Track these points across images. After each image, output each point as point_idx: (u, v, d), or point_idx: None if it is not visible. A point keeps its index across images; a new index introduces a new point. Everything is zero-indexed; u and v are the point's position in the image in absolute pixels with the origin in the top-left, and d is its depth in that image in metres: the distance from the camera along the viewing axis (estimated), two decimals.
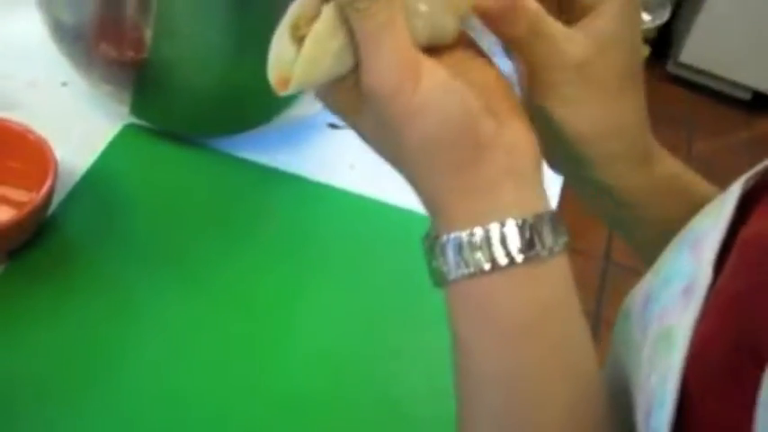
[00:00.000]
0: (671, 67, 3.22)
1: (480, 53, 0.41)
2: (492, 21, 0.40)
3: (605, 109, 0.44)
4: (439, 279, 0.40)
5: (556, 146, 0.45)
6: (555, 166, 0.49)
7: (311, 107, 0.81)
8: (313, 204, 0.80)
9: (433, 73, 0.37)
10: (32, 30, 0.79)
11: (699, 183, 0.51)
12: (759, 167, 0.41)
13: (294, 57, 0.38)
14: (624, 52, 0.44)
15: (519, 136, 0.39)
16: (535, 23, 0.41)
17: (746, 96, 3.21)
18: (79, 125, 0.81)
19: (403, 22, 0.37)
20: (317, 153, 0.85)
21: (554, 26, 0.42)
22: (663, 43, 3.18)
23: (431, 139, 0.37)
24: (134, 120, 0.81)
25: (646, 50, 3.06)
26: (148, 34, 0.68)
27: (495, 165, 0.38)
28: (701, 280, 0.38)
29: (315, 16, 0.37)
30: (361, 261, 0.76)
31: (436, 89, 0.37)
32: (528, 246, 0.37)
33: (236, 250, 0.74)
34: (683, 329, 0.37)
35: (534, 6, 0.41)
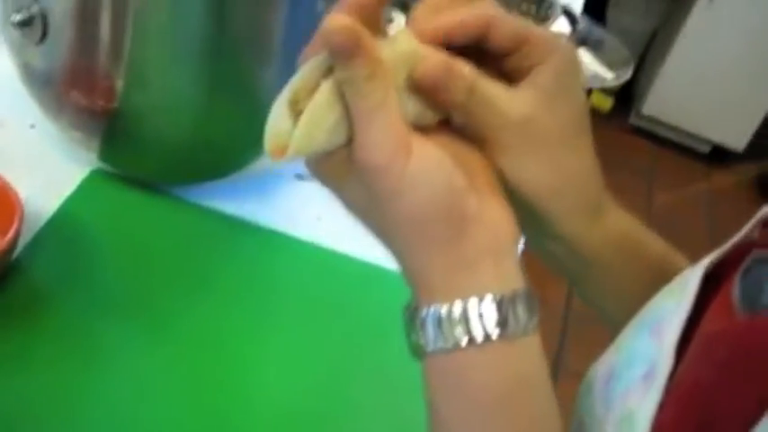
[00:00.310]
0: (633, 119, 3.28)
1: (463, 133, 0.42)
2: (429, 91, 0.41)
3: (552, 164, 0.45)
4: (416, 350, 0.41)
5: (511, 204, 0.45)
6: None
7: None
8: (278, 256, 0.80)
9: (423, 150, 0.38)
10: (1, 68, 0.79)
11: (651, 238, 0.52)
12: (721, 250, 0.42)
13: (290, 128, 0.39)
14: (567, 108, 0.45)
15: (499, 213, 0.40)
16: (473, 88, 0.42)
17: (706, 149, 3.27)
18: (46, 168, 0.81)
19: (396, 101, 0.39)
20: (283, 204, 0.86)
21: (493, 87, 0.43)
22: (626, 95, 3.25)
23: (419, 213, 0.38)
24: (102, 165, 0.81)
25: (609, 102, 3.12)
26: (119, 84, 0.69)
27: (478, 241, 0.39)
28: (661, 366, 0.39)
29: (313, 90, 0.39)
30: (326, 314, 0.76)
31: (425, 166, 0.38)
32: (504, 322, 0.38)
33: (200, 299, 0.74)
34: (644, 415, 0.38)
35: (468, 71, 0.41)
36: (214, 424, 0.65)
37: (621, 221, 0.50)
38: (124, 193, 0.81)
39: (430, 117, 0.42)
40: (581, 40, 1.11)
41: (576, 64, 0.46)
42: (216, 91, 0.70)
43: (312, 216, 0.85)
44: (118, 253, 0.76)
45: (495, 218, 0.40)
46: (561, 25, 1.08)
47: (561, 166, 0.45)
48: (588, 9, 1.52)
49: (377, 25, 0.40)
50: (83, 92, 0.70)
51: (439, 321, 0.39)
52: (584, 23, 1.23)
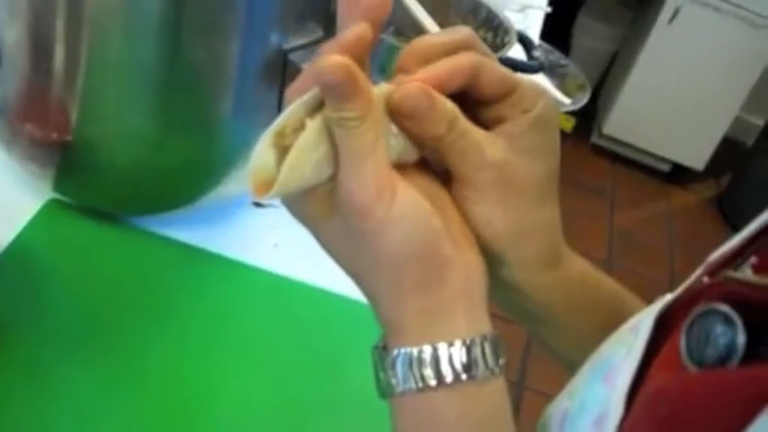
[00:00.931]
0: (595, 139, 3.32)
1: (436, 177, 0.43)
2: (411, 119, 0.41)
3: (520, 212, 0.46)
4: (385, 390, 0.41)
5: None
6: None
7: (237, 187, 0.81)
8: (235, 284, 0.80)
9: (406, 192, 0.39)
10: None
11: (604, 281, 0.53)
12: (672, 296, 0.43)
13: (274, 163, 0.39)
14: (542, 159, 0.46)
15: (473, 259, 0.42)
16: (454, 123, 0.42)
17: (666, 168, 3.32)
18: (1, 199, 0.80)
19: (384, 143, 0.40)
20: (240, 232, 0.86)
21: (472, 128, 0.43)
22: (587, 115, 3.29)
23: (398, 256, 0.39)
24: (57, 195, 0.81)
25: (570, 122, 3.15)
26: (74, 116, 0.69)
27: (454, 287, 0.40)
28: (612, 414, 0.39)
29: (299, 127, 0.39)
30: (283, 342, 0.76)
31: (408, 209, 0.39)
32: (472, 365, 0.40)
33: (157, 329, 0.73)
34: None
35: (451, 106, 0.42)
36: None
37: (576, 267, 0.51)
38: (80, 222, 0.80)
39: (411, 155, 0.43)
40: (538, 65, 1.13)
41: (555, 120, 0.46)
42: (170, 123, 0.70)
43: (269, 243, 0.86)
44: (74, 283, 0.76)
45: (469, 263, 0.41)
46: (516, 52, 1.09)
47: (528, 215, 0.46)
48: (553, 33, 1.54)
49: (363, 67, 0.40)
50: (37, 124, 0.70)
51: (409, 363, 0.40)
52: (540, 49, 1.25)
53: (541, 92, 0.46)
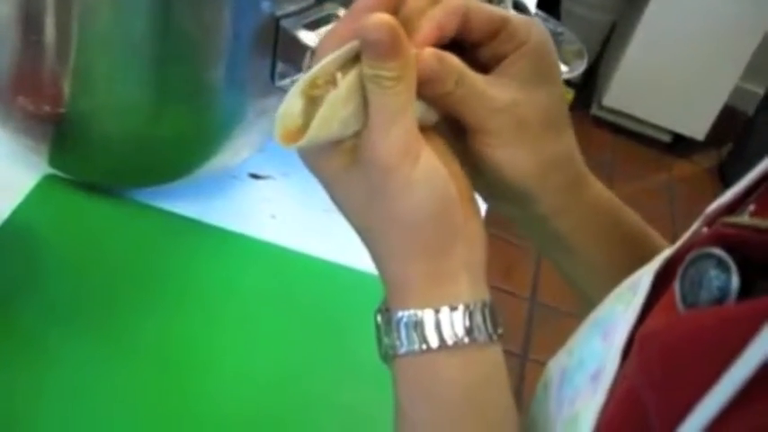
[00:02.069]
0: (595, 110, 3.31)
1: (447, 143, 0.44)
2: (424, 84, 0.42)
3: (535, 146, 0.47)
4: (387, 352, 0.42)
5: (498, 190, 0.48)
6: (497, 207, 0.52)
7: (233, 158, 0.81)
8: (233, 255, 0.80)
9: (429, 156, 0.40)
10: None
11: (627, 211, 0.54)
12: (670, 250, 0.43)
13: (299, 111, 0.40)
14: (545, 91, 0.47)
15: (478, 229, 0.43)
16: (460, 77, 0.43)
17: (667, 139, 3.31)
18: None
19: (414, 105, 0.40)
20: (237, 203, 0.86)
21: (477, 76, 0.44)
22: (587, 87, 3.27)
23: (415, 217, 0.40)
24: (53, 170, 0.81)
25: (570, 94, 3.14)
26: (66, 89, 0.68)
27: (460, 254, 0.41)
28: (608, 368, 0.40)
29: (331, 80, 0.40)
30: (282, 311, 0.77)
31: (430, 173, 0.40)
32: (474, 329, 0.41)
33: (156, 301, 0.74)
34: (589, 416, 0.39)
35: (457, 62, 0.43)
36: (172, 427, 0.65)
37: (600, 195, 0.52)
38: (76, 197, 0.80)
39: (430, 117, 0.43)
40: None
41: (551, 48, 0.47)
42: (163, 94, 0.70)
43: (266, 214, 0.86)
44: (71, 257, 0.76)
45: (474, 232, 0.42)
46: None
47: (543, 148, 0.47)
48: (542, 2, 1.53)
49: None
50: (29, 98, 0.70)
51: (413, 325, 0.41)
52: (537, 17, 1.24)
53: (531, 22, 0.46)
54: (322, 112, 0.39)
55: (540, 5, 1.43)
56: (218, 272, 0.78)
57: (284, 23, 0.68)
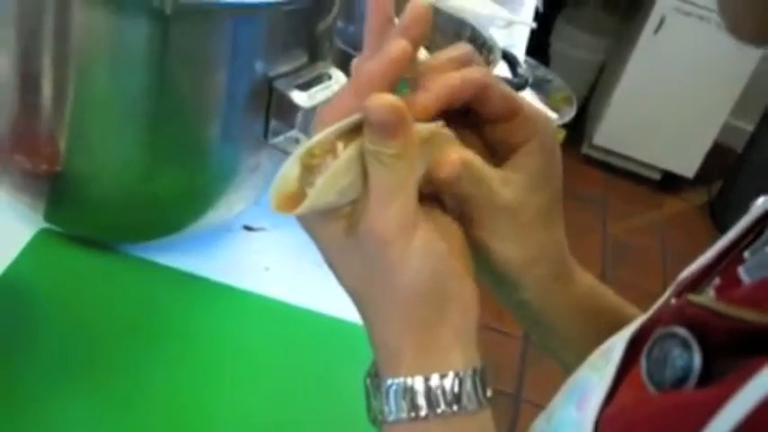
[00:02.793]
0: (586, 149, 3.33)
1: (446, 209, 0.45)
2: (445, 185, 0.43)
3: (535, 239, 0.48)
4: (376, 417, 0.42)
5: (485, 271, 0.48)
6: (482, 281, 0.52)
7: (227, 213, 0.82)
8: (228, 309, 0.81)
9: (427, 230, 0.41)
10: None
11: (609, 294, 0.55)
12: (641, 320, 0.44)
13: (296, 178, 0.40)
14: (548, 188, 0.48)
15: (471, 296, 0.43)
16: (478, 177, 0.44)
17: (657, 176, 3.33)
18: None
19: (415, 180, 0.41)
20: (231, 256, 0.87)
21: (488, 171, 0.45)
22: (578, 126, 3.30)
23: (412, 291, 0.40)
24: (49, 225, 0.81)
25: (561, 134, 3.16)
26: (63, 148, 0.69)
27: (453, 323, 0.42)
28: None
29: (330, 149, 0.40)
30: (276, 364, 0.77)
31: (425, 247, 0.40)
32: (463, 397, 0.41)
33: (151, 356, 0.74)
34: None
35: (471, 156, 0.44)
36: None
37: (584, 282, 0.53)
38: (72, 251, 0.81)
39: (423, 183, 0.43)
40: (523, 82, 1.14)
41: (556, 140, 0.48)
42: (158, 152, 0.71)
43: (260, 267, 0.86)
44: (66, 312, 0.76)
45: (468, 299, 0.42)
46: (502, 70, 1.11)
47: (539, 241, 0.48)
48: (531, 45, 1.56)
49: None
50: (26, 156, 0.71)
51: (403, 393, 0.41)
52: (526, 65, 1.26)
53: (543, 117, 0.47)
54: (321, 183, 0.40)
55: (529, 49, 1.46)
56: (212, 325, 0.79)
57: (277, 84, 0.69)
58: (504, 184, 0.46)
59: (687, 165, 3.23)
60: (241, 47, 0.68)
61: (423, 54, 0.51)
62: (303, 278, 0.86)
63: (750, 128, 3.32)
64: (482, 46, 1.10)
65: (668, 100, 3.11)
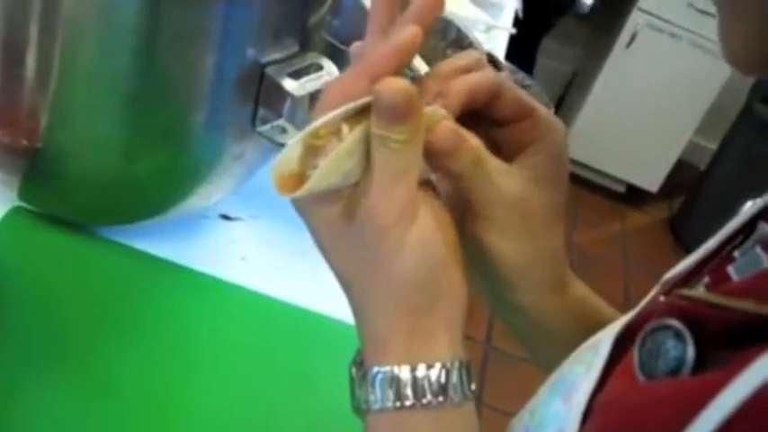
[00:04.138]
0: None
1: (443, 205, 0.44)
2: (438, 157, 0.43)
3: (534, 241, 0.48)
4: (361, 406, 0.42)
5: (482, 270, 0.48)
6: (476, 284, 0.51)
7: (206, 200, 0.81)
8: (202, 297, 0.80)
9: (425, 219, 0.40)
10: None
11: (602, 305, 0.54)
12: (630, 315, 0.44)
13: (297, 159, 0.40)
14: (554, 191, 0.48)
15: (461, 288, 0.42)
16: (477, 159, 0.44)
17: (621, 189, 3.37)
18: None
19: (418, 168, 0.40)
20: (208, 244, 0.86)
21: (494, 162, 0.45)
22: None
23: (403, 280, 0.40)
24: (21, 203, 0.79)
25: None
26: (44, 123, 0.68)
27: (442, 314, 0.41)
28: (568, 431, 0.40)
29: (335, 131, 0.40)
30: (251, 355, 0.76)
31: (423, 236, 0.40)
32: (449, 388, 0.40)
33: (124, 342, 0.72)
34: None
35: (476, 143, 0.44)
36: None
37: (579, 292, 0.53)
38: (45, 231, 0.79)
39: (425, 170, 0.43)
40: None
41: (566, 148, 0.48)
42: (142, 133, 0.69)
43: (236, 256, 0.85)
44: (37, 293, 0.74)
45: (457, 291, 0.42)
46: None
47: (538, 244, 0.48)
48: (517, 56, 1.56)
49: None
50: (6, 130, 0.69)
51: (389, 381, 0.40)
52: (506, 70, 1.26)
53: (555, 120, 0.47)
54: (325, 165, 0.39)
55: (514, 60, 1.46)
56: (186, 313, 0.78)
57: (269, 71, 0.68)
58: (509, 177, 0.46)
59: (651, 179, 3.28)
60: (233, 30, 0.67)
61: (421, 66, 0.51)
62: (279, 269, 0.86)
63: (713, 146, 3.37)
64: (467, 48, 1.10)
65: (636, 114, 3.15)
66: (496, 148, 0.46)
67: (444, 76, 0.44)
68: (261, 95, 0.70)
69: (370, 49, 0.42)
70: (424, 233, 0.40)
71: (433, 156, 0.42)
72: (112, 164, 0.71)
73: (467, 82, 0.44)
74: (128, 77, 0.66)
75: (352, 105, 0.39)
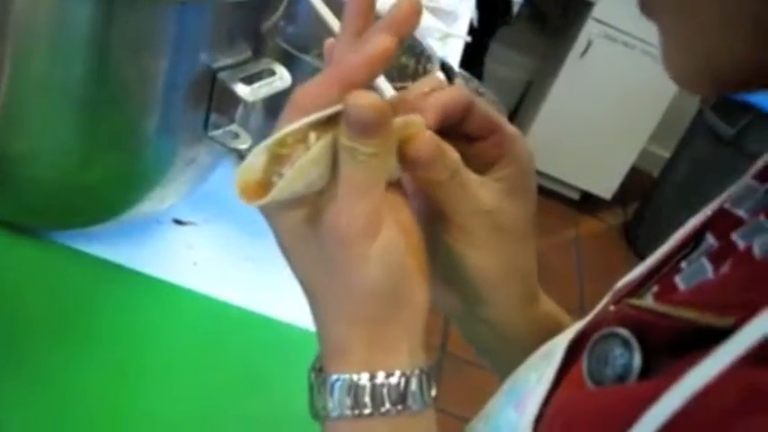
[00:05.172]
0: None
1: (411, 208, 0.44)
2: (419, 167, 0.43)
3: (507, 254, 0.48)
4: (319, 412, 0.42)
5: (454, 282, 0.49)
6: (440, 298, 0.52)
7: (159, 205, 0.81)
8: (154, 302, 0.80)
9: (389, 231, 0.40)
10: None
11: (567, 320, 0.55)
12: (581, 323, 0.45)
13: (261, 167, 0.39)
14: (524, 205, 0.48)
15: (423, 296, 0.42)
16: (456, 171, 0.44)
17: (575, 196, 3.41)
18: None
19: (385, 180, 0.40)
20: (160, 249, 0.85)
21: (469, 173, 0.46)
22: None
23: (364, 291, 0.40)
24: None
25: None
26: None
27: (402, 324, 0.41)
28: None
29: (302, 139, 0.39)
30: (203, 360, 0.76)
31: (387, 249, 0.40)
32: (408, 396, 0.41)
33: (75, 347, 0.72)
34: None
35: (456, 155, 0.44)
36: None
37: (546, 307, 0.54)
38: None
39: (394, 174, 0.43)
40: None
41: (533, 165, 0.49)
42: (94, 138, 0.69)
43: (188, 261, 0.85)
44: None
45: (420, 300, 0.42)
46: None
47: (510, 258, 0.48)
48: (466, 61, 1.58)
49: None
50: None
51: (348, 389, 0.40)
52: (460, 77, 1.28)
53: (520, 135, 0.48)
54: (291, 174, 0.39)
55: (465, 66, 1.48)
56: (139, 318, 0.77)
57: (221, 76, 0.69)
58: (484, 188, 0.46)
59: (605, 186, 3.32)
60: (186, 35, 0.67)
61: (387, 89, 0.51)
62: (231, 274, 0.86)
63: (666, 154, 3.43)
64: (420, 55, 1.11)
65: (590, 122, 3.19)
66: (465, 163, 0.47)
67: (417, 95, 0.45)
68: (213, 100, 0.70)
69: (342, 54, 0.42)
70: (387, 246, 0.40)
71: (413, 164, 0.42)
72: (65, 169, 0.71)
73: (441, 98, 0.44)
74: (80, 83, 0.66)
75: (320, 114, 0.39)
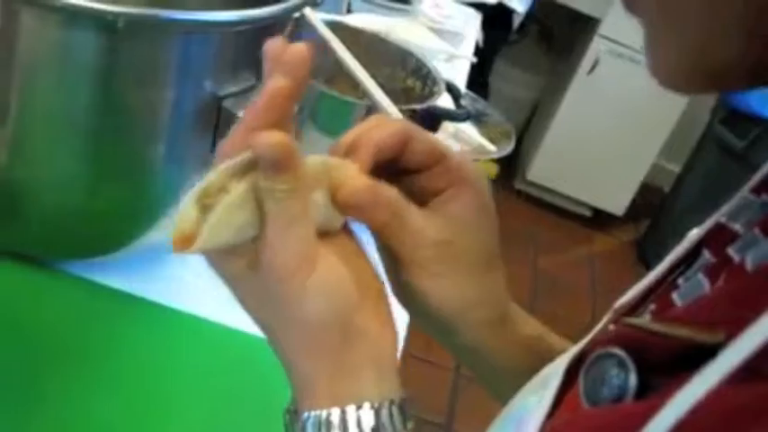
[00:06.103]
0: (518, 184, 3.39)
1: (358, 243, 0.45)
2: (354, 212, 0.44)
3: (465, 283, 0.48)
4: None
5: (422, 316, 0.49)
6: (425, 329, 0.52)
7: (167, 233, 0.81)
8: (166, 330, 0.80)
9: (326, 263, 0.41)
10: None
11: (552, 337, 0.55)
12: (580, 345, 0.45)
13: (195, 220, 0.40)
14: (483, 230, 0.48)
15: (385, 327, 0.43)
16: (396, 208, 0.45)
17: (587, 213, 3.40)
18: None
19: (311, 214, 0.41)
20: (170, 277, 0.85)
21: (411, 208, 0.46)
22: (511, 161, 3.35)
23: (311, 323, 0.41)
24: None
25: (495, 169, 3.21)
26: (3, 158, 0.68)
27: (362, 352, 0.42)
28: None
29: (223, 188, 0.40)
30: (212, 386, 0.76)
31: (325, 281, 0.40)
32: (380, 428, 0.41)
33: (85, 375, 0.72)
34: None
35: (393, 193, 0.45)
36: None
37: (527, 330, 0.53)
38: (4, 267, 0.79)
39: (336, 221, 0.44)
40: (465, 114, 1.15)
41: (486, 188, 0.49)
42: (102, 168, 0.70)
43: (199, 289, 0.85)
44: None
45: (379, 331, 0.43)
46: (445, 101, 1.12)
47: (473, 285, 0.48)
48: (471, 80, 1.58)
49: (288, 117, 0.42)
50: None
51: (318, 425, 0.41)
52: (467, 98, 1.28)
53: (467, 161, 0.48)
54: (212, 220, 0.40)
55: (469, 86, 1.48)
56: (150, 347, 0.78)
57: (226, 103, 0.69)
58: (427, 221, 0.46)
59: (617, 203, 3.31)
60: (191, 64, 0.67)
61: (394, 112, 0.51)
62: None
63: (677, 169, 3.42)
64: (426, 77, 1.12)
65: (600, 139, 3.19)
66: (411, 195, 0.47)
67: (353, 136, 0.45)
68: (219, 128, 0.70)
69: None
70: (326, 277, 0.40)
71: (346, 210, 0.43)
72: (72, 199, 0.71)
73: (372, 136, 0.45)
74: (86, 113, 0.67)
75: (235, 160, 0.40)
